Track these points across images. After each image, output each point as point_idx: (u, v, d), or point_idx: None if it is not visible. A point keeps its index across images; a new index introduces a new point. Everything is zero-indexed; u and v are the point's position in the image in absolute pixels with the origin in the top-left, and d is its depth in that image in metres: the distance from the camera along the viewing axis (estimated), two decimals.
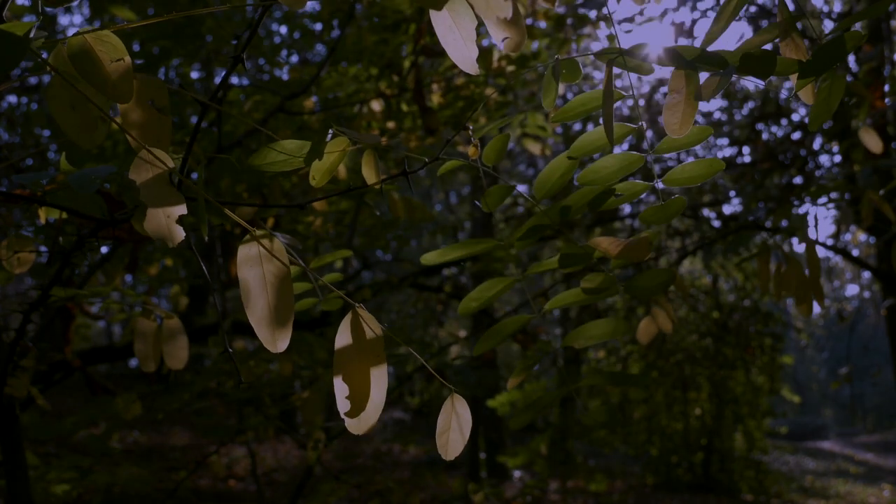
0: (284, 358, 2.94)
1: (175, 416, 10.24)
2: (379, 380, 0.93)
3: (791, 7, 1.08)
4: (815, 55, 0.98)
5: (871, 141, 2.56)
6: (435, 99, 3.93)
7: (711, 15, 7.31)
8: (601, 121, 1.04)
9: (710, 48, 1.03)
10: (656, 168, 1.18)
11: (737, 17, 1.08)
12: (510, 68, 3.68)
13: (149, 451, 8.54)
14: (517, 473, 9.50)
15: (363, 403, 0.92)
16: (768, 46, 1.07)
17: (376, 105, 3.88)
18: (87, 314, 3.10)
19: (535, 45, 4.07)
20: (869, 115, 3.46)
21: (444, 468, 10.11)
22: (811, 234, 2.26)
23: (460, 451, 1.00)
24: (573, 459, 8.98)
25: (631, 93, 1.11)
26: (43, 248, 1.54)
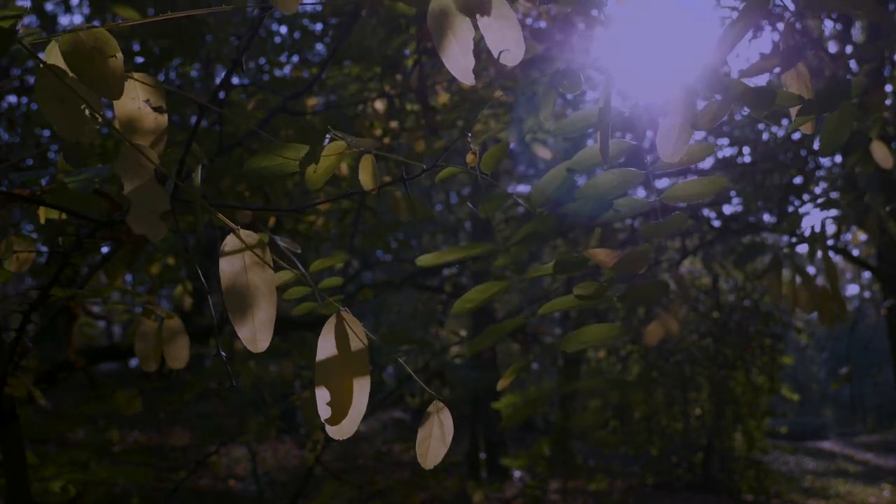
0: (285, 360, 2.95)
1: (175, 416, 10.24)
2: (361, 387, 0.93)
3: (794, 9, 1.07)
4: (818, 95, 0.97)
5: (882, 156, 2.53)
6: (441, 99, 3.93)
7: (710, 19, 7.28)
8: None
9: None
10: (659, 184, 1.18)
11: None
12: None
13: (149, 451, 8.54)
14: (517, 473, 9.50)
15: (345, 410, 0.92)
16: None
17: (379, 105, 3.88)
18: (89, 314, 3.11)
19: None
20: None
21: (444, 468, 10.10)
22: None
23: (440, 460, 1.01)
24: (573, 459, 8.98)
25: (631, 99, 1.11)
26: (43, 248, 1.54)
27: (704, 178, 1.11)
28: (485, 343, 1.25)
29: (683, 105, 1.01)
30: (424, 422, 1.00)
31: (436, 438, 1.00)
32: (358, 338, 0.94)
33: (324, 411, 0.92)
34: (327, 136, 1.07)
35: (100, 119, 0.95)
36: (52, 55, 0.94)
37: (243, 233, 0.92)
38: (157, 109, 0.96)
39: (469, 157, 1.12)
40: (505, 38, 0.94)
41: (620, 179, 1.14)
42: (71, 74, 0.92)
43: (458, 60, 0.94)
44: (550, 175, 1.16)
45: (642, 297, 1.17)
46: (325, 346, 0.93)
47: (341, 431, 0.93)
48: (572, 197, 1.16)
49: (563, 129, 1.13)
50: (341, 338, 0.93)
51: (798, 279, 2.22)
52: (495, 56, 0.95)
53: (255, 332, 0.90)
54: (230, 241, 0.92)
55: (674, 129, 1.02)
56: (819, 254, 2.24)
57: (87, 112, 0.94)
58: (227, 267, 0.91)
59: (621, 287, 1.20)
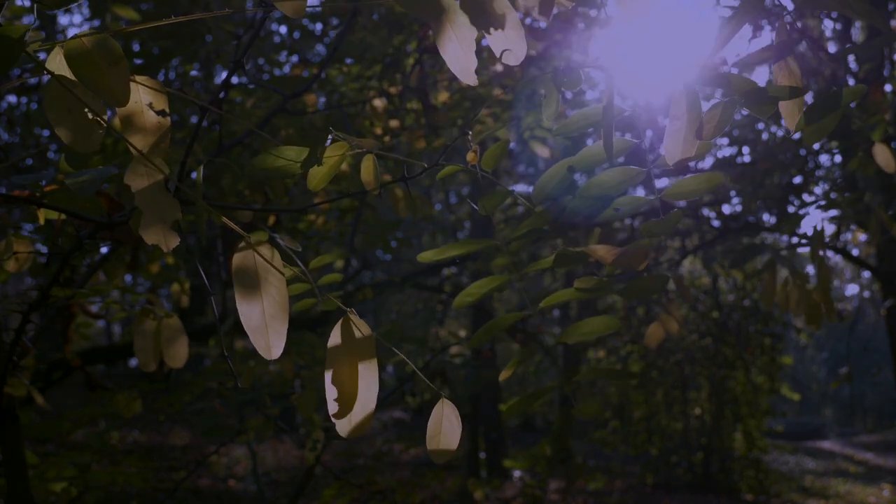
0: (285, 359, 2.94)
1: (175, 416, 10.25)
2: (369, 383, 0.94)
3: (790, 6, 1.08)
4: (809, 109, 0.98)
5: (885, 159, 2.51)
6: (441, 97, 3.93)
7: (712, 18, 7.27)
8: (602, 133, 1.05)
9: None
10: (657, 183, 1.19)
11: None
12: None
13: (149, 451, 8.54)
14: (517, 473, 9.49)
15: (351, 404, 0.93)
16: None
17: (379, 103, 3.88)
18: (87, 313, 3.11)
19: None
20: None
21: (444, 468, 10.10)
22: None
23: (451, 455, 1.01)
24: (573, 459, 8.98)
25: (631, 99, 1.12)
26: (42, 248, 1.54)
27: (702, 174, 1.12)
28: (485, 338, 1.26)
29: (688, 106, 1.02)
30: (433, 419, 1.01)
31: (445, 434, 1.01)
32: (364, 335, 0.95)
33: (332, 407, 0.92)
34: (329, 136, 1.07)
35: (104, 125, 0.95)
36: (56, 62, 0.94)
37: (254, 237, 0.93)
38: (159, 113, 0.95)
39: (470, 156, 1.12)
40: (507, 38, 0.95)
41: (622, 177, 1.15)
42: (76, 83, 0.91)
43: (460, 60, 0.95)
44: (551, 172, 1.17)
45: (642, 292, 1.18)
46: (334, 340, 0.95)
47: (348, 426, 0.93)
48: (573, 194, 1.17)
49: (565, 128, 1.14)
50: (348, 335, 0.95)
51: (792, 281, 2.22)
52: (497, 56, 0.95)
53: (268, 338, 0.90)
54: (242, 245, 0.92)
55: (680, 132, 1.03)
56: (820, 253, 2.24)
57: (92, 119, 0.93)
58: (239, 268, 0.90)
59: (621, 284, 1.21)
